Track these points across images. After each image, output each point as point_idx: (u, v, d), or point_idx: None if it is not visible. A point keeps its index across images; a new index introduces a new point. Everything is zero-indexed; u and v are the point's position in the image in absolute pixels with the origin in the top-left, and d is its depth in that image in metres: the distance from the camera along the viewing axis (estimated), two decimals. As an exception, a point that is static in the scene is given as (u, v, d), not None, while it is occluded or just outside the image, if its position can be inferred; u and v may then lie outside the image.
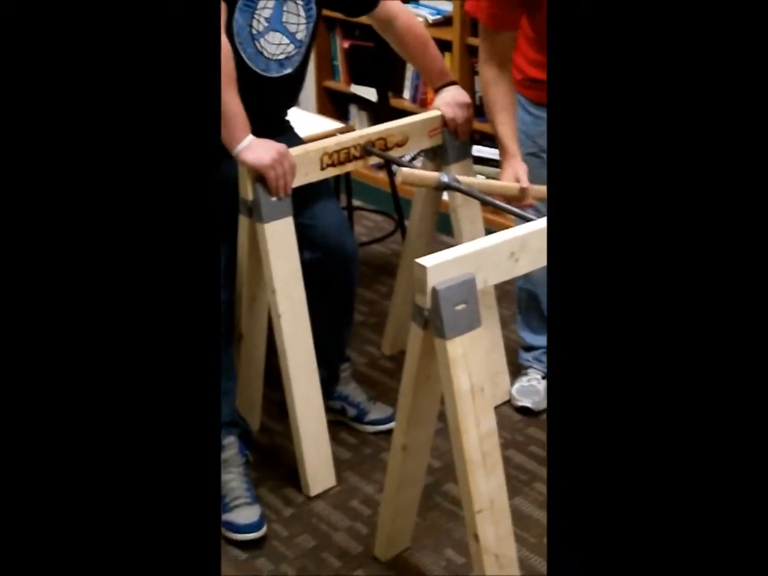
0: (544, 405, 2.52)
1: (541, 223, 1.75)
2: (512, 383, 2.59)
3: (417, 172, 2.09)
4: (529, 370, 2.59)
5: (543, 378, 2.56)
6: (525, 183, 2.14)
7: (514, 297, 2.66)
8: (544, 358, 2.53)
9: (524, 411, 2.55)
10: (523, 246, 1.71)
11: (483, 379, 1.66)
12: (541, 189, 2.12)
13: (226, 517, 2.14)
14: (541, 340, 2.56)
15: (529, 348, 2.60)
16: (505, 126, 2.21)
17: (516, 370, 2.64)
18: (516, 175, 2.16)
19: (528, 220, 1.84)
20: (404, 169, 2.04)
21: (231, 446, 2.22)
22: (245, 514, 2.14)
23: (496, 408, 2.51)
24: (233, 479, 2.19)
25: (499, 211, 3.27)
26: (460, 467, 1.67)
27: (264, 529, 2.16)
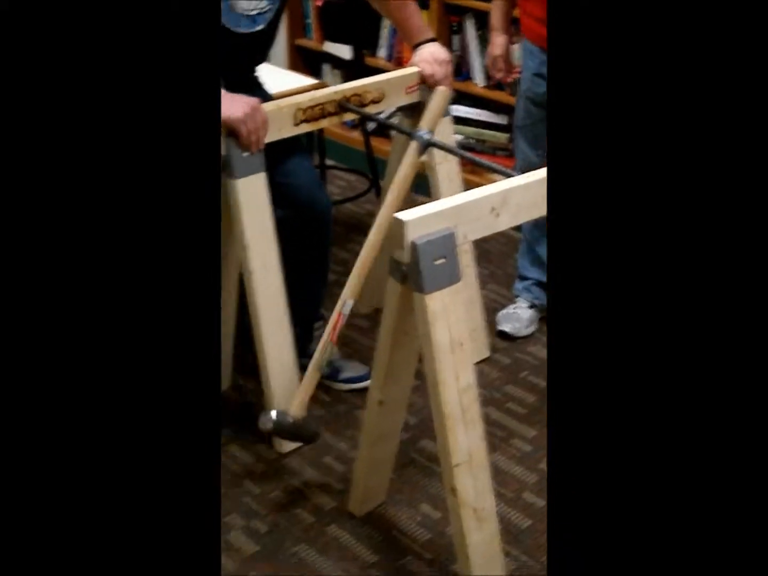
0: (523, 332, 2.73)
1: (523, 179, 1.74)
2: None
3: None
4: (518, 299, 2.79)
5: (529, 307, 2.76)
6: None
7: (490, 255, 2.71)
8: (533, 289, 2.76)
9: (503, 335, 2.73)
10: (504, 201, 1.70)
11: (462, 334, 1.65)
12: None
13: None
14: (533, 273, 2.75)
15: (523, 278, 2.79)
16: (494, 6, 2.69)
17: (493, 328, 2.74)
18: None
19: (509, 176, 1.83)
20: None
21: None
22: None
23: (474, 365, 2.52)
24: None
25: (478, 172, 3.32)
26: (438, 421, 1.67)
27: None
